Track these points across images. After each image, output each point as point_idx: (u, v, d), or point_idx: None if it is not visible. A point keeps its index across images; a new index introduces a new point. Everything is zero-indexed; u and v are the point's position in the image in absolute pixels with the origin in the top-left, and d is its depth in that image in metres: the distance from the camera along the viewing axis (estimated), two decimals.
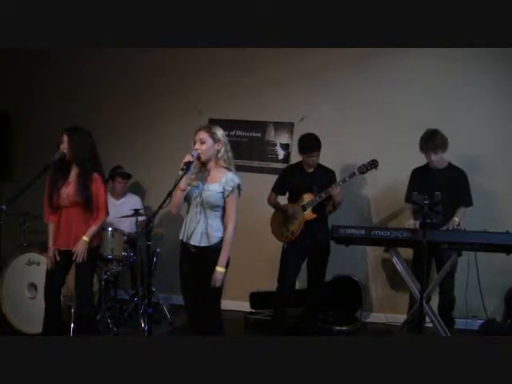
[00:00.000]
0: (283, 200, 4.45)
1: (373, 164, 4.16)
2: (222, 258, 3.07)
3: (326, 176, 4.26)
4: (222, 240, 3.10)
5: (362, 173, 4.17)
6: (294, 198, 4.31)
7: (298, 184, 4.28)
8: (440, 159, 4.15)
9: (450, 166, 4.23)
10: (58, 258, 3.59)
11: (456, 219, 4.05)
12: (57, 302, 3.65)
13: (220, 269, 3.06)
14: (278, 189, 4.44)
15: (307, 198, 4.19)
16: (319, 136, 4.26)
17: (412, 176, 4.34)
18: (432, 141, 4.07)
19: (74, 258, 3.52)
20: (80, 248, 3.52)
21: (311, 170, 4.29)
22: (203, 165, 3.17)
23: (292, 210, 4.24)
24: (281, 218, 4.32)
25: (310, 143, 4.23)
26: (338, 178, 4.35)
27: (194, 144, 3.13)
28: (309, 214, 4.17)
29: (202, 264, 3.10)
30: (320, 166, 4.32)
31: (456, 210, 4.15)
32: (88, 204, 3.54)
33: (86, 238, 3.53)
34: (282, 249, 4.31)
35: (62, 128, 3.61)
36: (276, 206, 4.40)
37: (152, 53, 5.19)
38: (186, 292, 3.23)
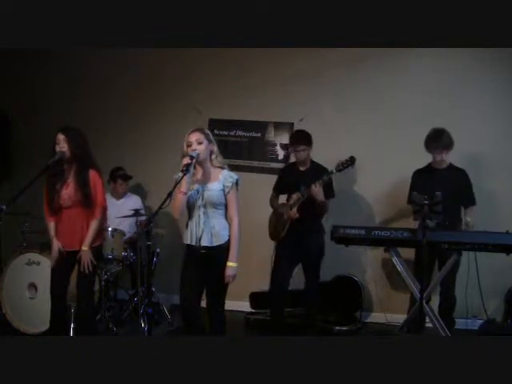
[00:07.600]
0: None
1: (350, 161, 3.99)
2: (232, 254, 3.14)
3: (317, 174, 4.10)
4: (229, 238, 3.17)
5: (339, 170, 4.00)
6: (288, 198, 4.27)
7: (291, 183, 4.23)
8: (444, 159, 4.15)
9: (452, 167, 4.23)
10: (64, 255, 3.57)
11: (469, 219, 4.08)
12: (63, 302, 3.64)
13: (232, 264, 3.12)
14: (276, 189, 4.43)
15: (295, 197, 4.12)
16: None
17: (413, 177, 4.32)
18: (438, 140, 4.07)
19: (81, 269, 3.54)
20: (84, 259, 3.53)
21: (304, 169, 4.23)
22: (199, 165, 3.19)
23: (280, 210, 4.24)
24: (273, 219, 4.33)
25: (297, 136, 4.22)
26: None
27: (188, 146, 3.14)
28: (293, 213, 4.08)
29: (213, 263, 3.15)
30: (314, 164, 4.24)
31: (459, 210, 4.19)
32: (87, 201, 3.53)
33: (85, 248, 3.54)
34: (275, 249, 4.29)
35: (56, 129, 3.61)
36: (273, 206, 4.39)
37: (152, 53, 5.19)
38: (185, 293, 3.23)
